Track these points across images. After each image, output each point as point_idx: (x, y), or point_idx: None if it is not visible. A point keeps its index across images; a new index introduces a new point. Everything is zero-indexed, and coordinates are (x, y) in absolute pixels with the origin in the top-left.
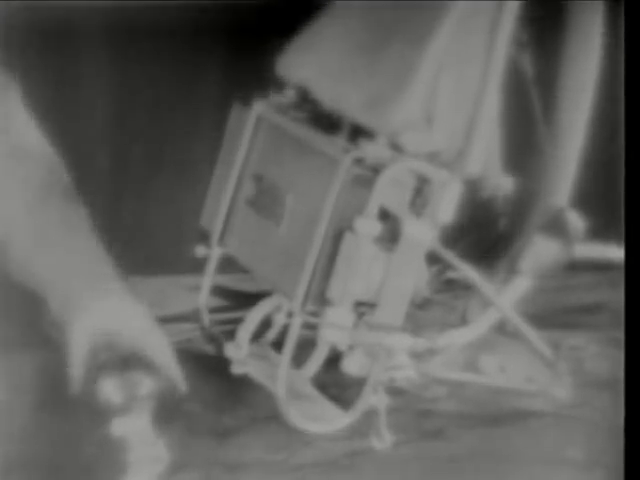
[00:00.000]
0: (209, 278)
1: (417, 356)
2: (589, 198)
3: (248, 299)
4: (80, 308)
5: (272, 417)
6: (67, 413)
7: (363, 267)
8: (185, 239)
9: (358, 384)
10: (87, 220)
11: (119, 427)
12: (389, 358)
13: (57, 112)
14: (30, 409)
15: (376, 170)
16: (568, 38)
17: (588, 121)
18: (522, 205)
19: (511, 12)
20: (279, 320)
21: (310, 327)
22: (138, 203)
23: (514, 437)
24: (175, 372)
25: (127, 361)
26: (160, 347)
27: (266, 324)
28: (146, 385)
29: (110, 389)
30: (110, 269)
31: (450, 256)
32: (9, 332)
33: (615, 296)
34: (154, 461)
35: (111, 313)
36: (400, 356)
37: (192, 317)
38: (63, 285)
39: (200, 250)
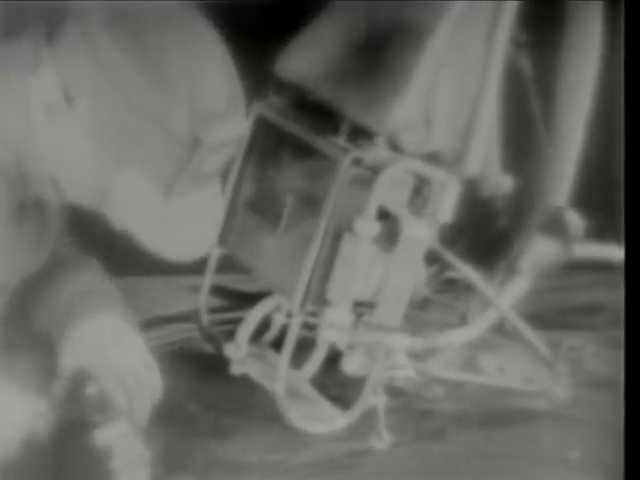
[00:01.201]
0: (209, 278)
1: (416, 356)
2: (589, 198)
3: (247, 299)
4: (70, 324)
5: (271, 417)
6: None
7: (362, 267)
8: None
9: (357, 384)
10: None
11: (103, 436)
12: (388, 358)
13: None
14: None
15: (375, 170)
16: (567, 38)
17: (587, 120)
18: (521, 205)
19: (510, 12)
20: (278, 320)
21: (309, 327)
22: None
23: (513, 437)
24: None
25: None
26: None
27: (265, 324)
28: (120, 396)
29: (91, 402)
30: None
31: (449, 256)
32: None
33: (615, 296)
34: (138, 460)
35: (97, 331)
36: (399, 356)
37: (191, 317)
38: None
39: None
